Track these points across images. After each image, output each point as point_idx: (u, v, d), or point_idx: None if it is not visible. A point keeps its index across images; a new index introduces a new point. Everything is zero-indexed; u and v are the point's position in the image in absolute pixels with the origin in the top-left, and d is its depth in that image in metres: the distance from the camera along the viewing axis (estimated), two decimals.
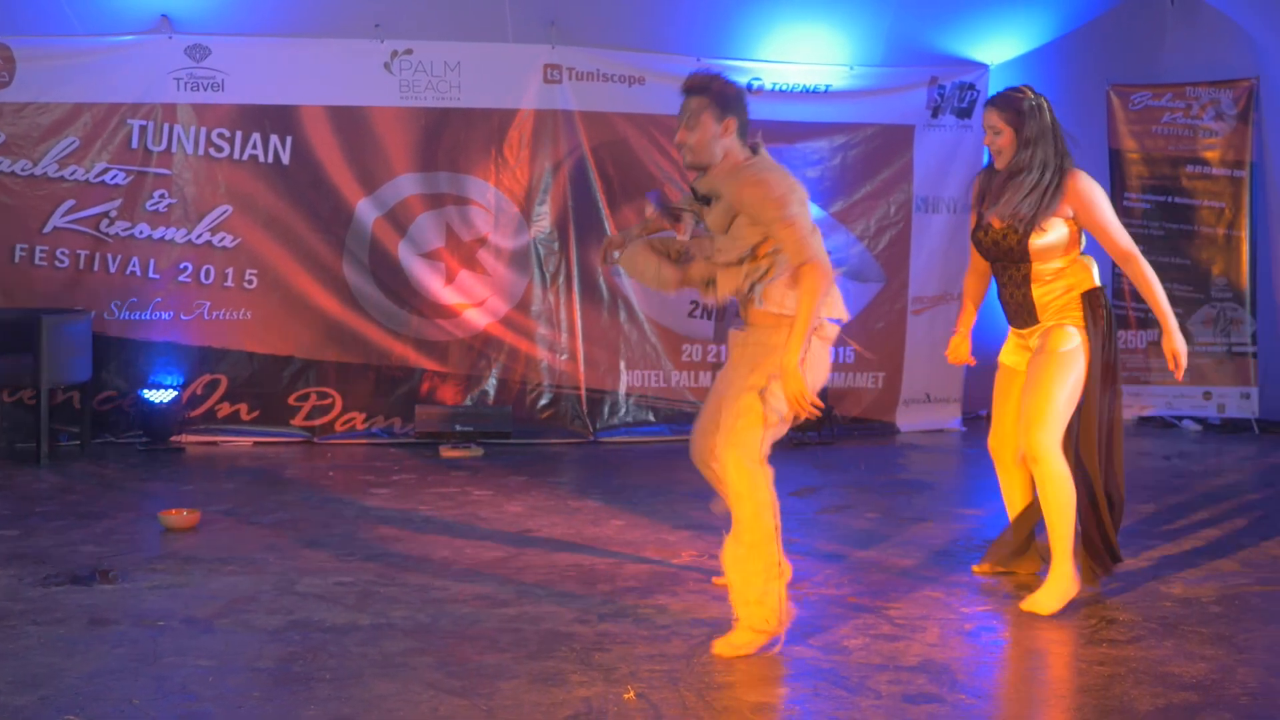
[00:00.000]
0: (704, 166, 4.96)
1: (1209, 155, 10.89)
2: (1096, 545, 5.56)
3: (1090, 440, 5.48)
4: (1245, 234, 10.81)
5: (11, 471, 8.44)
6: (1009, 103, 5.51)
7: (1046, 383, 5.36)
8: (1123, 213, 10.97)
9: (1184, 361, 5.29)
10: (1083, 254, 5.56)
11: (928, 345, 10.58)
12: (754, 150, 4.96)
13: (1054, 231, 5.42)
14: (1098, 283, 5.52)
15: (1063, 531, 5.36)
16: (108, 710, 4.09)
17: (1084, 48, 11.00)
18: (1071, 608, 5.29)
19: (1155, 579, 5.84)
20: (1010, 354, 5.75)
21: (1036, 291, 5.50)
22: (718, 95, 4.90)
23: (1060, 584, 5.33)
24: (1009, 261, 5.53)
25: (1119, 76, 11.06)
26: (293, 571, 5.87)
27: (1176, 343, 5.32)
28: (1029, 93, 5.52)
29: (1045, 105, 5.51)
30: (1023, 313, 5.57)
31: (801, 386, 4.68)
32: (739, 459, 4.73)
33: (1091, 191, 5.42)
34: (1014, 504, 5.85)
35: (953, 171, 10.74)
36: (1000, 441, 5.79)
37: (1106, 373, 5.48)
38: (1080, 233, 5.51)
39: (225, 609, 5.26)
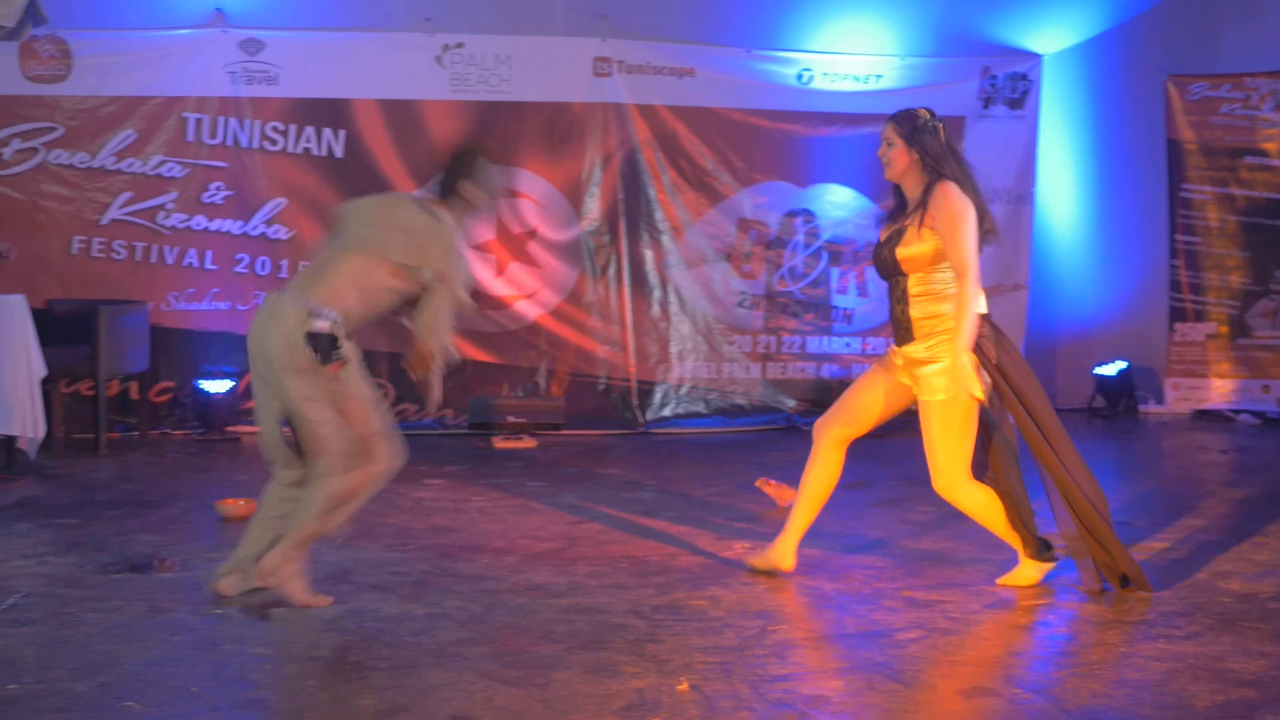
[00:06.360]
0: None
1: (1268, 146, 10.78)
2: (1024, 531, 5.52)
3: (998, 454, 5.46)
4: None
5: (71, 461, 8.54)
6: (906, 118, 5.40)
7: (932, 435, 5.34)
8: (1180, 204, 10.89)
9: None
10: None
11: None
12: None
13: (919, 244, 5.33)
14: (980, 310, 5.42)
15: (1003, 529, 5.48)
16: (166, 697, 4.13)
17: (1141, 37, 10.90)
18: (1128, 603, 5.24)
19: (1212, 575, 5.78)
20: (882, 362, 5.60)
21: (913, 310, 5.39)
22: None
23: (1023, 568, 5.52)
24: (885, 275, 5.47)
25: (1177, 67, 10.96)
26: (348, 561, 5.91)
27: (959, 362, 5.25)
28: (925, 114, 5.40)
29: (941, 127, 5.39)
30: (899, 328, 5.44)
31: None
32: None
33: (954, 205, 5.32)
34: (808, 483, 5.61)
35: (1005, 163, 10.69)
36: (822, 423, 5.62)
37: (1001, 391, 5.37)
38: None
39: (281, 597, 5.29)
